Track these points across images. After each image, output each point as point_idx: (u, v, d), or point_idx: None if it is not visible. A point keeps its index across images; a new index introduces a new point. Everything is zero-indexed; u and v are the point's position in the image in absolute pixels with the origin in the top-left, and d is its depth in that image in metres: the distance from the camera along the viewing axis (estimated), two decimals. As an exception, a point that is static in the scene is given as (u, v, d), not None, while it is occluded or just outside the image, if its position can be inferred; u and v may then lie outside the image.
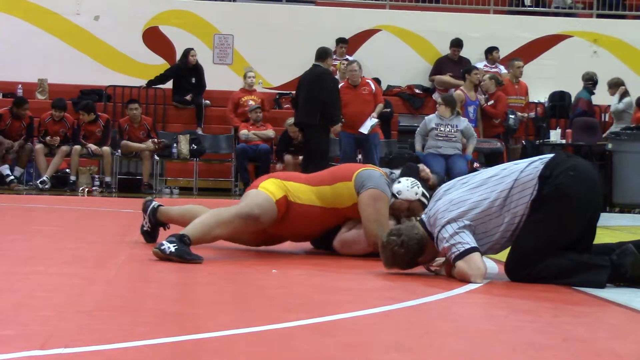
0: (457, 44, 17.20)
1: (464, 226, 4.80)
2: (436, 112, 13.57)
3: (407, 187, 5.84)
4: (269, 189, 5.77)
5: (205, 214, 5.69)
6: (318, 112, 12.68)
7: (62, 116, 14.90)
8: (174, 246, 5.21)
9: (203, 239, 5.50)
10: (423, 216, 5.10)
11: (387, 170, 6.09)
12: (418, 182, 5.86)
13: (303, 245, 6.49)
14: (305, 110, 13.01)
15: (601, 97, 16.43)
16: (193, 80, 16.65)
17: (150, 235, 6.19)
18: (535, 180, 4.80)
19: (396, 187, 5.85)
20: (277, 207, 5.72)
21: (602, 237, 5.30)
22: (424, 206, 5.58)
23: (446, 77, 17.13)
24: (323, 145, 12.97)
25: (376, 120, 13.84)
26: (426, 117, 13.67)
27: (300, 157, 14.10)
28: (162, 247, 5.23)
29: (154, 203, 6.17)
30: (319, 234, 6.06)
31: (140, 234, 6.27)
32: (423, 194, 5.82)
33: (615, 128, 14.96)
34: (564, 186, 4.76)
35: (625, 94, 15.48)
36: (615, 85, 15.58)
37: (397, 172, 6.13)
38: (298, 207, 5.81)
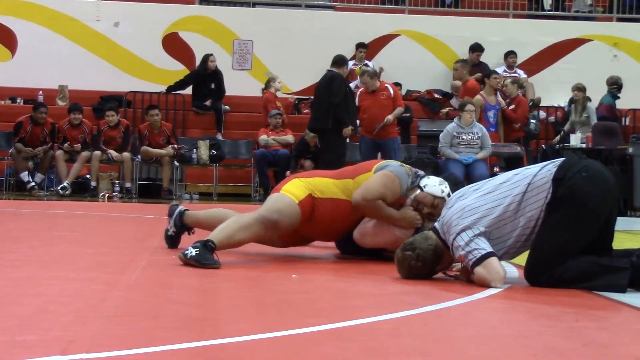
0: (477, 48, 17.17)
1: (479, 233, 4.79)
2: (455, 120, 13.49)
3: (435, 183, 5.84)
4: (291, 192, 5.79)
5: (229, 218, 5.71)
6: (330, 116, 12.67)
7: (80, 121, 14.97)
8: (195, 251, 5.23)
9: (228, 244, 5.51)
10: (436, 224, 5.08)
11: (415, 169, 6.05)
12: (447, 183, 5.85)
13: (324, 250, 6.48)
14: (317, 115, 13.04)
15: (623, 101, 16.39)
16: (212, 85, 16.70)
17: (173, 240, 6.21)
18: (550, 183, 4.79)
19: (424, 181, 5.86)
20: (300, 209, 5.74)
21: (623, 241, 5.28)
22: None
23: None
24: (338, 148, 12.94)
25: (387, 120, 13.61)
26: (447, 127, 13.56)
27: (317, 162, 14.10)
28: (186, 252, 5.26)
29: (180, 207, 6.20)
30: (347, 231, 6.03)
31: (162, 239, 6.29)
32: (449, 195, 5.81)
33: (581, 134, 14.90)
34: (577, 187, 4.75)
35: (585, 100, 15.49)
36: (583, 90, 15.60)
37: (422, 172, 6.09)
38: (323, 201, 5.84)
